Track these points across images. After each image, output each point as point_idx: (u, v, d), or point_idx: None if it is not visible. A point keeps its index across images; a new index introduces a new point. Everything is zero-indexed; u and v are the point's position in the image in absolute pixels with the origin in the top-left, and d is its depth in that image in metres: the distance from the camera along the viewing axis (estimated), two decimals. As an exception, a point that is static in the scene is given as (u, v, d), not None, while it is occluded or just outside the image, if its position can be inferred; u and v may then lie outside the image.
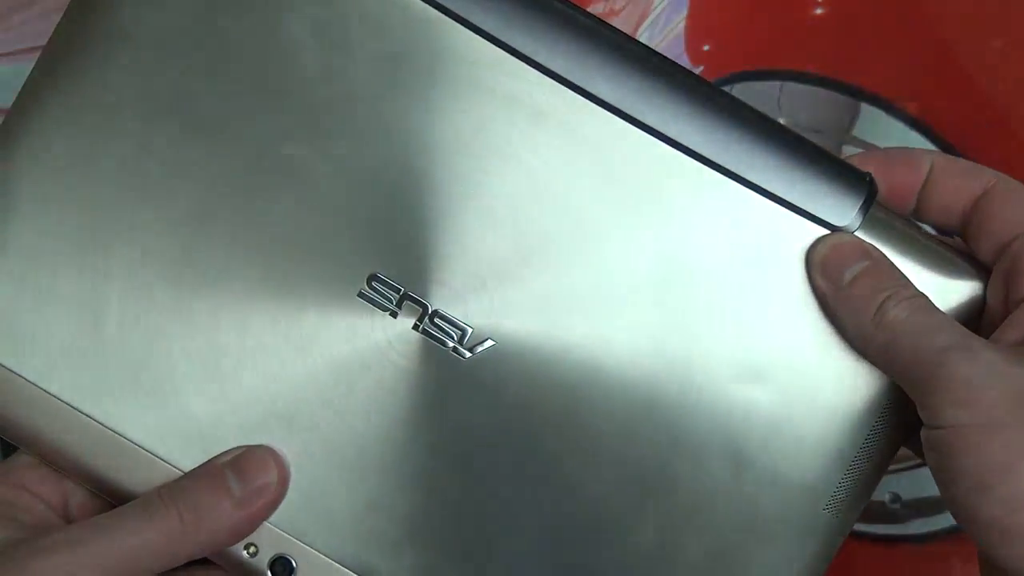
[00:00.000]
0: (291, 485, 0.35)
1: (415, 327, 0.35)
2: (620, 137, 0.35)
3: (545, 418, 0.35)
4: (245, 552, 0.35)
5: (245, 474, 0.35)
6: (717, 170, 0.35)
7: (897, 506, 0.54)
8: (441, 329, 0.35)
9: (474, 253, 0.35)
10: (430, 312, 0.35)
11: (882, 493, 0.54)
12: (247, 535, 0.35)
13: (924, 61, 0.56)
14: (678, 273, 0.35)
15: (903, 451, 0.58)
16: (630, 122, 0.35)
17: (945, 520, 0.53)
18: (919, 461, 0.58)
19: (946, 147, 0.55)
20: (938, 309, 0.35)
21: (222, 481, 0.34)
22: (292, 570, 0.35)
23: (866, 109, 0.58)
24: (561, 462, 0.36)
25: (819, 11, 0.57)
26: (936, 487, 0.34)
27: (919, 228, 0.37)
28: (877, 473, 0.37)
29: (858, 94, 0.58)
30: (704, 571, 0.36)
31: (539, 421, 0.35)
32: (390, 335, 0.35)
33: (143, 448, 0.35)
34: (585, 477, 0.36)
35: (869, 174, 0.36)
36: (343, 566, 0.35)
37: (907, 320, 0.34)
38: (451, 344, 0.35)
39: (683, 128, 0.35)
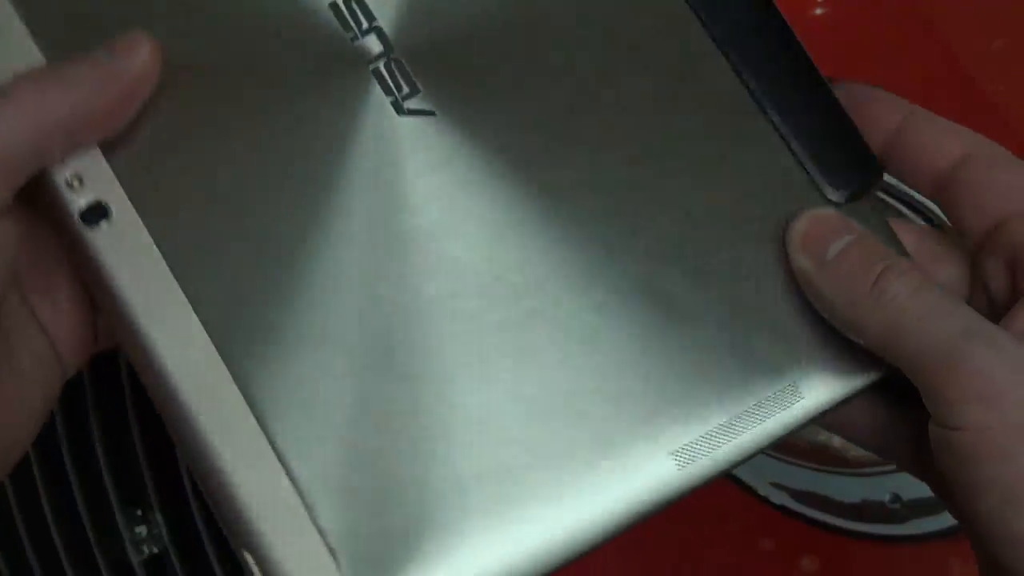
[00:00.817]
0: (161, 158, 0.31)
1: (368, 62, 0.32)
2: None
3: (454, 216, 0.32)
4: (65, 184, 0.30)
5: (115, 48, 0.30)
6: (738, 75, 0.33)
7: (897, 506, 0.54)
8: (393, 76, 0.32)
9: (465, 20, 0.33)
10: (392, 54, 0.32)
11: (882, 493, 0.54)
12: (113, 123, 0.30)
13: (924, 61, 0.56)
14: (658, 141, 0.33)
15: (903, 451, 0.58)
16: None
17: (945, 520, 0.53)
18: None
19: (946, 147, 0.55)
20: (938, 286, 0.31)
21: (89, 55, 0.30)
22: (106, 214, 0.30)
23: (866, 109, 0.58)
24: (459, 260, 0.32)
25: (819, 11, 0.57)
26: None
27: (907, 220, 0.35)
28: (751, 448, 0.31)
29: (858, 94, 0.58)
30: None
31: (448, 216, 0.32)
32: (341, 57, 0.32)
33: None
34: (470, 289, 0.32)
35: (876, 158, 0.33)
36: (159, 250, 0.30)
37: (911, 298, 0.30)
38: (393, 96, 0.32)
39: (725, 27, 0.34)
